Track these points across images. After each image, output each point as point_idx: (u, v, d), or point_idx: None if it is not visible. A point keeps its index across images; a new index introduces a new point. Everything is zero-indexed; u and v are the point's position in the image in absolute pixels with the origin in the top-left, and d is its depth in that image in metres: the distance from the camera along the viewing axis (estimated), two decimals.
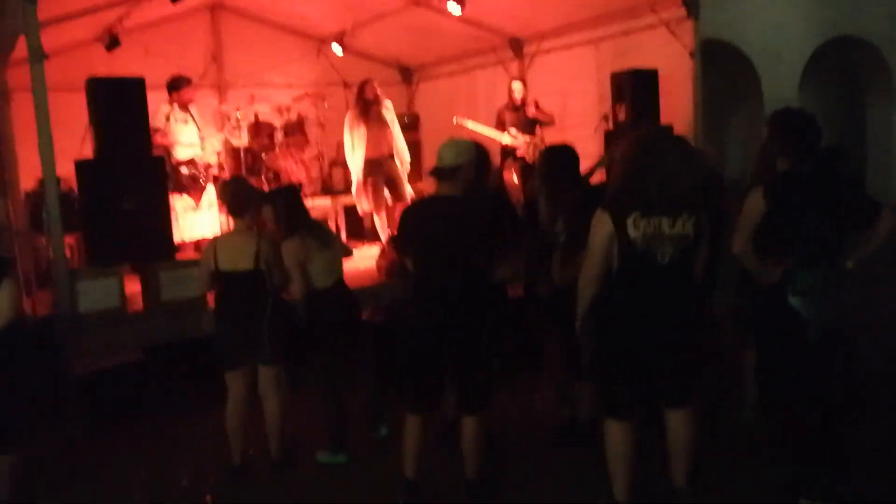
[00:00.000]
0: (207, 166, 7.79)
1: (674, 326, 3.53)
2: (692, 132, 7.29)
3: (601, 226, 3.45)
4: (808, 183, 3.65)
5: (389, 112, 7.93)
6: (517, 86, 8.48)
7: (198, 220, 7.62)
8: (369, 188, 7.80)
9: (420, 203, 4.41)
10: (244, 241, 4.57)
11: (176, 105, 7.70)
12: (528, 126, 8.34)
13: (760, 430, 4.52)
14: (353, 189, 7.92)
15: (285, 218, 4.70)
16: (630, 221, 3.39)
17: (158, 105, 7.56)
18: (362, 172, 7.80)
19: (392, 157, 7.90)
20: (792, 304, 3.60)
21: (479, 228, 3.87)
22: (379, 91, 7.92)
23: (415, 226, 4.00)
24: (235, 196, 4.69)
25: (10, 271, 4.58)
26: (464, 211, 3.88)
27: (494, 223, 3.97)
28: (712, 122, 7.60)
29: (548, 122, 8.32)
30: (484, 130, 8.23)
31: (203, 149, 7.80)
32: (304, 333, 4.72)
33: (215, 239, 4.84)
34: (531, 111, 8.30)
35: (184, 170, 7.61)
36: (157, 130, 7.33)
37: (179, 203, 7.52)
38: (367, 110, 7.81)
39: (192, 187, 7.63)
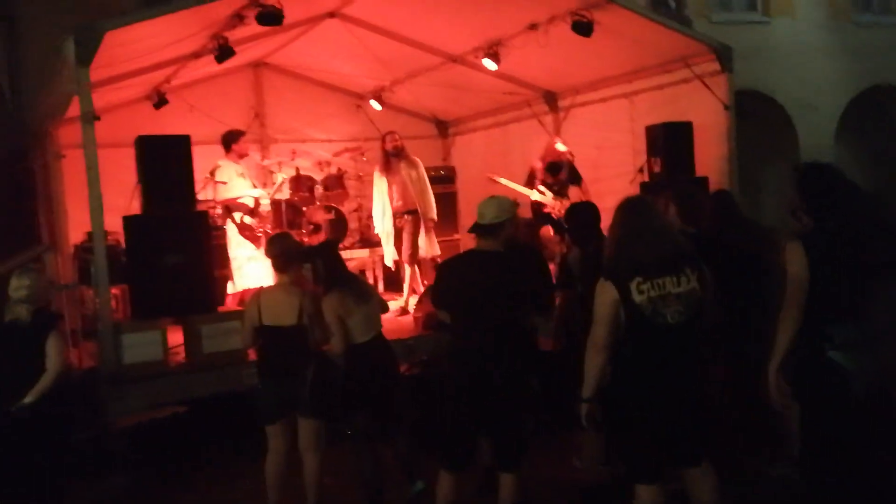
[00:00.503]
0: (263, 219, 7.93)
1: (687, 387, 3.50)
2: (727, 183, 7.29)
3: (605, 294, 3.46)
4: (837, 236, 3.59)
5: (415, 167, 8.00)
6: (560, 145, 8.42)
7: (258, 270, 7.71)
8: (398, 239, 7.92)
9: (459, 258, 4.48)
10: (288, 296, 4.64)
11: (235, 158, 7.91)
12: (562, 186, 8.29)
13: (805, 487, 4.43)
14: (382, 240, 8.06)
15: (324, 274, 4.79)
16: (633, 287, 3.39)
17: (208, 159, 7.74)
18: (391, 224, 7.92)
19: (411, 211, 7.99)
20: (833, 358, 3.55)
21: (517, 283, 3.92)
22: (400, 143, 8.02)
23: (453, 280, 4.06)
24: (282, 252, 4.78)
25: (56, 325, 4.73)
26: (504, 266, 3.95)
27: (530, 277, 4.02)
28: (747, 172, 7.59)
29: (576, 181, 8.27)
30: (515, 187, 8.26)
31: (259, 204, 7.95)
32: (343, 388, 4.75)
33: (259, 293, 4.93)
34: (563, 174, 8.28)
35: (247, 220, 7.76)
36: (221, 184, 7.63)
37: (242, 252, 7.68)
38: (389, 163, 7.96)
39: (254, 236, 7.76)
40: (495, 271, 3.93)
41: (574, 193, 8.17)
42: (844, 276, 3.52)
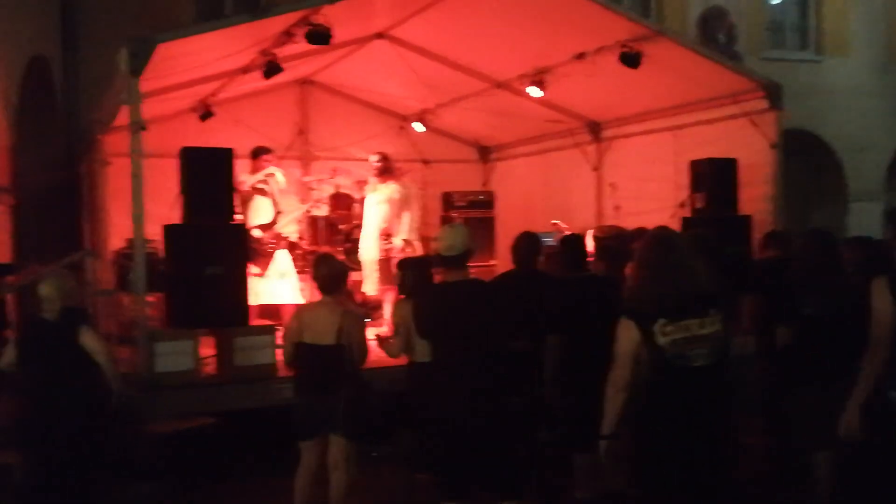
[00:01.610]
0: (276, 235, 7.90)
1: (714, 433, 3.40)
2: (772, 223, 7.17)
3: (627, 333, 3.37)
4: None
5: (399, 190, 7.83)
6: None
7: (263, 287, 7.71)
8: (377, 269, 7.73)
9: (438, 289, 4.37)
10: (330, 315, 4.65)
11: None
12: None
13: None
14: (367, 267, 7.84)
15: (411, 285, 4.86)
16: (657, 328, 3.31)
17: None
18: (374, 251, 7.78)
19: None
20: (890, 398, 3.47)
21: (498, 310, 3.91)
22: (383, 165, 7.85)
23: (435, 311, 3.99)
24: (327, 273, 4.81)
25: (86, 321, 4.79)
26: (483, 294, 3.94)
27: (507, 303, 4.03)
28: (794, 213, 7.46)
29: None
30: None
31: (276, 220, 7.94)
32: (397, 407, 4.73)
33: (301, 310, 4.98)
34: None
35: (256, 233, 7.75)
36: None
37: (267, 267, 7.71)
38: (376, 188, 7.90)
39: (258, 255, 7.74)
40: (476, 300, 3.89)
41: None
42: None
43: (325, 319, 4.63)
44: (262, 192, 7.86)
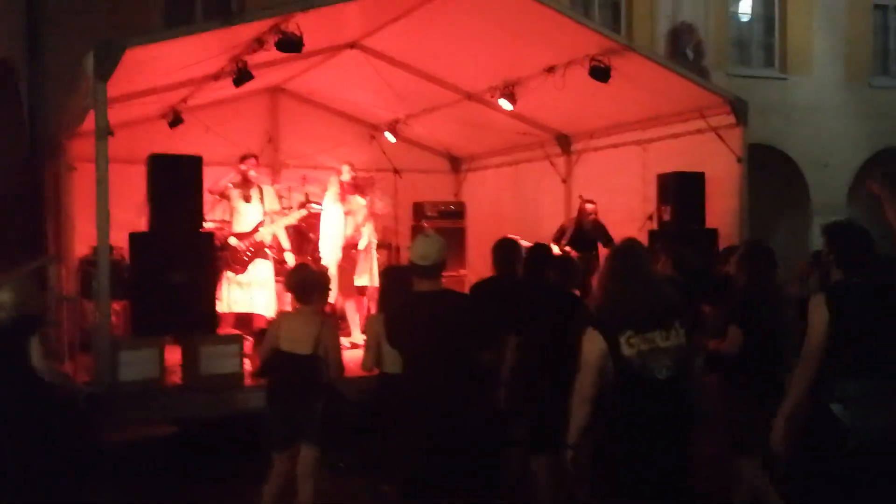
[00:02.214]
0: (255, 243, 7.83)
1: (677, 445, 3.43)
2: (738, 237, 7.26)
3: (593, 344, 3.38)
4: (862, 292, 3.62)
5: (365, 206, 8.04)
6: (589, 203, 8.39)
7: (238, 296, 7.65)
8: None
9: (411, 299, 4.23)
10: (307, 325, 4.64)
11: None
12: (588, 241, 8.26)
13: None
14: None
15: (382, 297, 4.83)
16: (623, 340, 3.33)
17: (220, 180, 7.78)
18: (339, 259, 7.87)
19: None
20: (833, 410, 3.52)
21: (468, 320, 3.88)
22: (360, 183, 8.07)
23: (408, 320, 3.96)
24: (301, 283, 4.79)
25: (37, 329, 4.70)
26: (455, 305, 3.93)
27: (475, 313, 4.02)
28: (759, 227, 7.57)
29: (604, 240, 8.26)
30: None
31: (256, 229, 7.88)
32: (368, 415, 4.70)
33: (280, 317, 4.97)
34: (590, 230, 8.25)
35: (231, 241, 7.69)
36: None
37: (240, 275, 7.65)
38: (343, 196, 8.00)
39: (234, 263, 7.68)
40: (448, 311, 3.86)
41: (603, 252, 8.16)
42: (866, 331, 3.52)
43: (302, 329, 4.62)
44: (246, 198, 7.80)
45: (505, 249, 5.21)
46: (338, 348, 4.70)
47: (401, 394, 3.99)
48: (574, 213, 8.52)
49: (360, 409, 5.04)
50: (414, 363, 3.93)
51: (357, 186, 8.09)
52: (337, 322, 4.82)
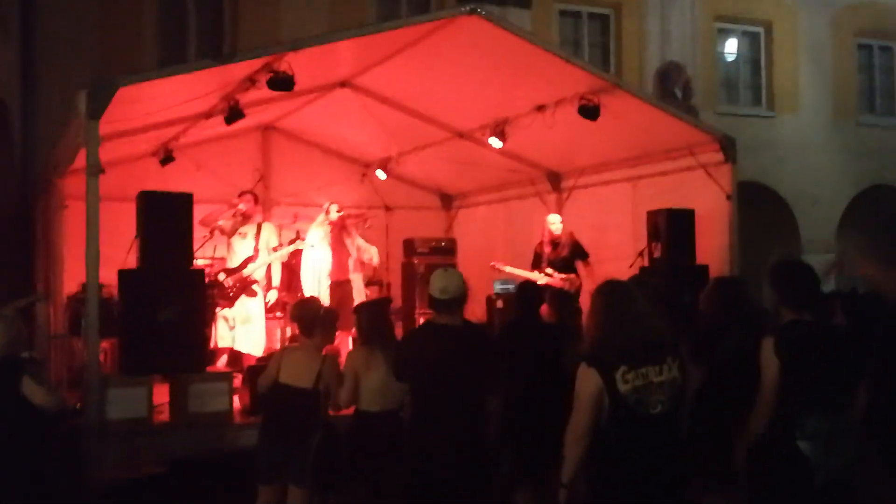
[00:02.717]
0: (241, 279, 7.81)
1: (671, 479, 3.41)
2: (728, 273, 7.28)
3: (588, 381, 3.35)
4: (812, 332, 3.66)
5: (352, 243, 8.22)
6: (554, 220, 8.49)
7: (226, 332, 7.62)
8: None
9: (426, 330, 4.26)
10: (309, 358, 4.63)
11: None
12: (566, 262, 8.31)
13: None
14: None
15: (364, 329, 4.76)
16: (619, 376, 3.31)
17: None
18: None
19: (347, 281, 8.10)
20: (801, 447, 3.52)
21: (480, 360, 3.85)
22: (346, 224, 8.21)
23: (420, 353, 3.92)
24: (305, 316, 4.79)
25: (26, 370, 4.64)
26: (472, 340, 3.89)
27: (487, 353, 3.98)
28: (749, 263, 7.59)
29: (581, 257, 8.31)
30: (521, 273, 8.26)
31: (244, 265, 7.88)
32: (346, 460, 4.64)
33: (283, 350, 5.00)
34: (566, 250, 8.31)
35: (220, 276, 7.69)
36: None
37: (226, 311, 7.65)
38: (330, 234, 8.11)
39: (222, 299, 7.67)
40: (464, 346, 3.83)
41: (582, 269, 8.20)
42: (820, 369, 3.57)
43: (304, 363, 4.60)
44: (241, 234, 7.85)
45: (529, 292, 5.22)
46: (338, 384, 4.64)
47: (407, 429, 3.92)
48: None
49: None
50: (423, 398, 3.86)
51: (344, 227, 8.15)
52: (338, 358, 4.78)
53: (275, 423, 4.64)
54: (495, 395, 3.96)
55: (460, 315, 3.91)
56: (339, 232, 8.19)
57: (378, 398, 4.56)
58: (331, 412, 4.72)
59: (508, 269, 8.40)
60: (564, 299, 5.20)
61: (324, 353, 4.76)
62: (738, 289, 4.67)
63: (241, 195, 7.95)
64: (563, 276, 8.18)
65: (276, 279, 8.20)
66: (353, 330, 5.19)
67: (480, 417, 3.84)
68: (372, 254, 8.36)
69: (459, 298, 3.90)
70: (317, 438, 4.50)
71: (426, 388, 3.84)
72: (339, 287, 8.06)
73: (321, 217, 8.23)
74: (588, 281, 7.98)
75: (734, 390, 4.33)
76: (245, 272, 7.73)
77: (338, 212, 8.16)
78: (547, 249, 8.37)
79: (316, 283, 8.01)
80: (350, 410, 4.69)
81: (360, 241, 8.31)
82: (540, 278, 8.10)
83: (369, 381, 4.57)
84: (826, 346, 3.62)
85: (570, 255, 8.28)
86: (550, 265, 8.24)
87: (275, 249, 8.03)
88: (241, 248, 7.85)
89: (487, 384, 3.84)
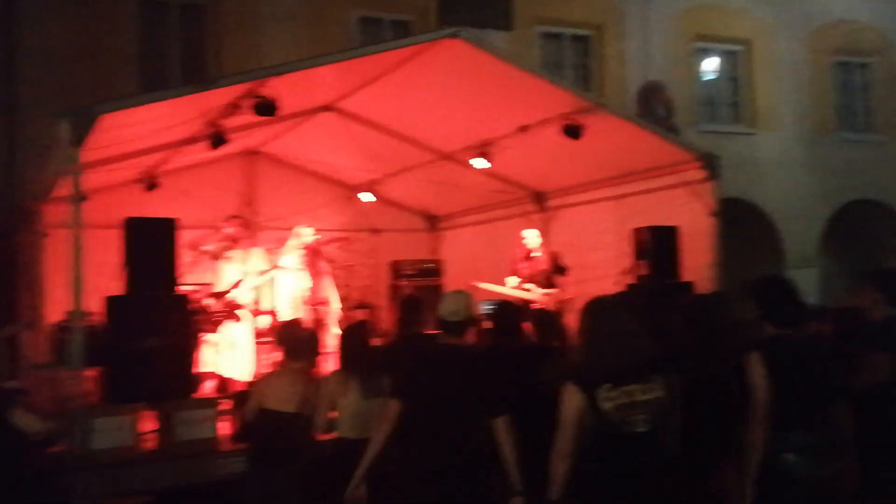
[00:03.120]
0: (228, 304, 7.77)
1: (654, 498, 3.38)
2: (712, 289, 7.31)
3: (572, 399, 3.35)
4: (795, 345, 3.68)
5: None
6: (528, 235, 8.47)
7: (213, 357, 7.57)
8: None
9: (430, 350, 4.23)
10: (294, 383, 4.62)
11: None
12: (546, 276, 8.32)
13: None
14: None
15: (342, 354, 4.71)
16: (602, 394, 3.31)
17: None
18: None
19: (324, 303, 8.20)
20: (787, 460, 3.53)
21: (488, 379, 3.78)
22: (320, 250, 8.31)
23: (421, 372, 3.88)
24: (291, 339, 4.78)
25: (15, 401, 4.60)
26: (479, 362, 3.85)
27: (495, 377, 3.91)
28: (733, 279, 7.62)
29: (560, 272, 8.32)
30: (502, 290, 8.27)
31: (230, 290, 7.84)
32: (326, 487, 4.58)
33: (268, 375, 4.94)
34: (543, 265, 8.31)
35: (206, 300, 7.65)
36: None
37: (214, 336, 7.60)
38: (305, 257, 8.19)
39: (208, 324, 7.63)
40: (471, 368, 3.79)
41: (562, 282, 8.21)
42: (802, 384, 3.57)
43: (289, 387, 4.59)
44: (226, 258, 7.83)
45: (503, 315, 5.14)
46: (322, 406, 4.59)
47: (400, 449, 3.83)
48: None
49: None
50: (421, 417, 3.74)
51: (316, 251, 8.21)
52: (319, 382, 4.74)
53: (263, 450, 4.61)
54: (503, 418, 3.77)
55: (467, 337, 3.89)
56: (313, 256, 8.19)
57: (353, 424, 4.47)
58: (318, 436, 4.67)
59: (490, 287, 8.38)
60: (544, 319, 5.16)
61: (308, 376, 4.73)
62: (705, 306, 4.61)
63: (228, 219, 7.94)
64: (543, 291, 8.18)
65: (267, 303, 8.18)
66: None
67: (480, 440, 3.74)
68: (330, 298, 8.38)
69: (469, 321, 3.88)
70: (302, 462, 4.46)
71: (428, 408, 3.75)
72: (315, 311, 8.09)
73: (293, 241, 8.24)
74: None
75: (705, 410, 4.33)
76: (229, 297, 7.70)
77: (312, 235, 8.18)
78: (522, 265, 8.36)
79: (291, 305, 8.03)
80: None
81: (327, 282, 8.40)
82: (522, 295, 8.13)
83: (344, 409, 4.52)
84: (809, 360, 3.64)
85: (549, 269, 8.29)
86: (531, 281, 8.24)
87: (260, 274, 8.02)
88: (227, 272, 7.83)
89: (494, 406, 3.73)
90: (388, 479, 3.79)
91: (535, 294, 8.15)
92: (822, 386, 3.62)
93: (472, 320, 3.91)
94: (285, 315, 7.90)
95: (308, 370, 4.76)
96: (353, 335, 4.83)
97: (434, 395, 3.75)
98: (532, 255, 8.39)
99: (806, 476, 3.52)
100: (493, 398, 3.73)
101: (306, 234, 8.19)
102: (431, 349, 4.04)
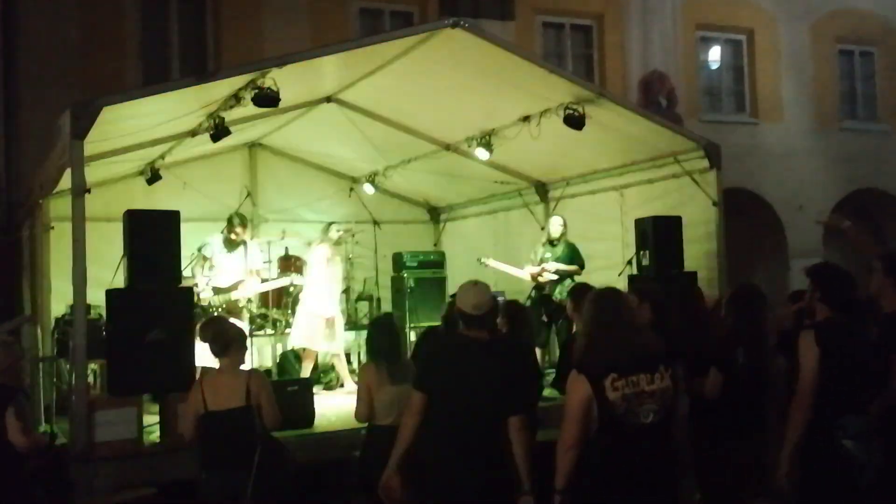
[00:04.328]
0: (227, 301, 7.76)
1: (660, 488, 3.38)
2: (718, 280, 7.30)
3: (578, 389, 3.33)
4: (849, 330, 3.78)
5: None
6: (553, 222, 8.49)
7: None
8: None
9: (452, 342, 4.17)
10: (233, 379, 4.56)
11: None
12: (561, 260, 8.32)
13: None
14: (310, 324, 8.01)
15: (373, 344, 4.81)
16: (608, 383, 3.29)
17: (198, 236, 7.84)
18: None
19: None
20: (846, 446, 3.55)
21: (510, 377, 3.75)
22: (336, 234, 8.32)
23: (443, 364, 3.84)
24: (215, 337, 4.72)
25: (13, 400, 4.59)
26: (501, 357, 3.79)
27: (521, 370, 3.94)
28: (736, 268, 7.62)
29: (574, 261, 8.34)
30: (508, 269, 8.31)
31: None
32: (296, 477, 4.58)
33: (201, 378, 4.85)
34: (560, 250, 8.31)
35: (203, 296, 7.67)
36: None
37: None
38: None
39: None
40: (495, 362, 3.73)
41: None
42: (854, 367, 3.66)
43: (229, 384, 4.52)
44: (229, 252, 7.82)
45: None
46: (270, 397, 4.59)
47: (423, 442, 3.79)
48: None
49: (348, 464, 4.97)
50: (444, 411, 3.71)
51: (339, 242, 8.37)
52: (262, 373, 4.71)
53: (214, 453, 4.51)
54: (519, 417, 3.73)
55: (490, 329, 3.86)
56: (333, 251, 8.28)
57: (388, 411, 4.57)
58: (269, 431, 4.63)
59: (493, 262, 8.43)
60: (515, 311, 5.13)
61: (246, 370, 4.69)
62: (752, 298, 4.61)
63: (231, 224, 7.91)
64: (557, 266, 8.17)
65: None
66: None
67: (503, 434, 3.70)
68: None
69: (492, 313, 3.86)
70: (257, 454, 4.41)
71: (450, 401, 3.71)
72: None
73: (323, 236, 8.27)
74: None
75: (750, 401, 4.36)
76: (234, 296, 7.70)
77: (340, 232, 8.34)
78: (542, 249, 8.41)
79: (330, 294, 8.10)
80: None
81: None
82: (525, 276, 8.22)
83: (380, 396, 4.60)
84: (860, 345, 3.76)
85: (565, 253, 8.30)
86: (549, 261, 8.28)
87: (260, 272, 8.04)
88: (227, 263, 7.81)
89: (516, 402, 3.71)
90: (420, 469, 3.78)
91: (548, 269, 8.16)
92: (872, 371, 3.71)
93: (495, 313, 3.90)
94: (324, 305, 7.93)
95: (239, 363, 4.67)
96: (383, 327, 4.92)
97: (457, 389, 3.71)
98: (551, 240, 8.38)
99: (866, 461, 3.59)
100: (515, 396, 3.71)
101: (332, 230, 8.25)
102: (456, 343, 4.00)
